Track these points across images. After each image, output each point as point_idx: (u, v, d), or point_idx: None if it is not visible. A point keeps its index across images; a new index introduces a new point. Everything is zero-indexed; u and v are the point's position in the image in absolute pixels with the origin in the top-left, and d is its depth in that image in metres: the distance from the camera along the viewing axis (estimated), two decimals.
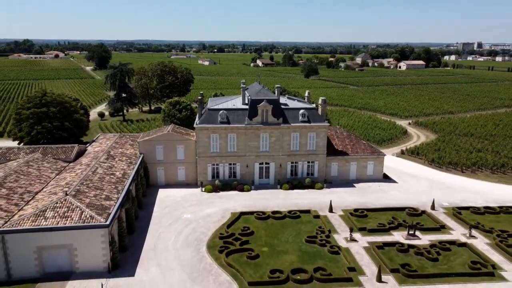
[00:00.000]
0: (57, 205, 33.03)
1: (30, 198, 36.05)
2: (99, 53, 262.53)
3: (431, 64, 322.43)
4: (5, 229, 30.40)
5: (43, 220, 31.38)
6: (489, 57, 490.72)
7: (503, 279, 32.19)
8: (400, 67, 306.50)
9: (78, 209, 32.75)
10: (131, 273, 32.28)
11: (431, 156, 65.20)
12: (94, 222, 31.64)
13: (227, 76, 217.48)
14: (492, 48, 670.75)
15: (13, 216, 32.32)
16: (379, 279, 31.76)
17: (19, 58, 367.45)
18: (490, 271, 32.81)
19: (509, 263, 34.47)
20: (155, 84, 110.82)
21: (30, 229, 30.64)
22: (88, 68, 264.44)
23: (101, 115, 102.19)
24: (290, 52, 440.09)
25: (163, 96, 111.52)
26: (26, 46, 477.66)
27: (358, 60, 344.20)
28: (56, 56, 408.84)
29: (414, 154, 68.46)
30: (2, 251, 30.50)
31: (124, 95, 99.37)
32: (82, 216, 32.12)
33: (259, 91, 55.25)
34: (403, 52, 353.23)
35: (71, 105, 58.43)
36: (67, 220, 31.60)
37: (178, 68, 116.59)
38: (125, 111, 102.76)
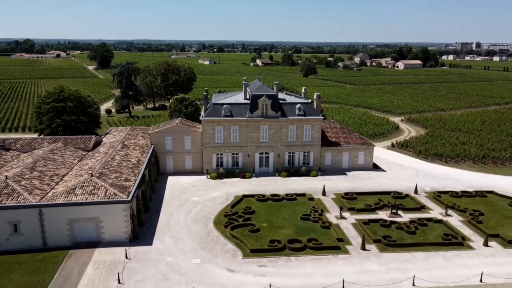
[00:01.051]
0: (85, 184, 38.07)
1: (59, 180, 41.08)
2: (101, 53, 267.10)
3: (429, 63, 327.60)
4: (42, 203, 35.46)
5: (73, 197, 36.41)
6: (487, 57, 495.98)
7: (470, 248, 37.31)
8: (397, 66, 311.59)
9: (103, 187, 37.79)
10: (149, 243, 37.38)
11: (418, 148, 70.32)
12: (117, 198, 36.72)
13: (228, 76, 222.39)
14: (491, 48, 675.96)
15: (47, 193, 37.34)
16: (363, 248, 36.85)
17: (21, 58, 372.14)
18: (459, 242, 37.95)
19: (477, 236, 39.54)
20: (160, 82, 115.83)
21: (63, 203, 35.70)
22: (91, 68, 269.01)
23: (108, 111, 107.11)
24: (289, 52, 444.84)
25: (167, 94, 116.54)
26: (27, 46, 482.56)
27: (357, 59, 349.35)
28: (58, 55, 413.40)
29: (403, 147, 73.53)
30: (39, 223, 35.56)
31: (130, 92, 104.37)
32: (107, 193, 37.15)
33: (259, 87, 60.28)
34: (401, 52, 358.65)
35: (86, 100, 63.50)
36: (94, 196, 36.65)
37: (181, 67, 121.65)
38: (131, 108, 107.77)
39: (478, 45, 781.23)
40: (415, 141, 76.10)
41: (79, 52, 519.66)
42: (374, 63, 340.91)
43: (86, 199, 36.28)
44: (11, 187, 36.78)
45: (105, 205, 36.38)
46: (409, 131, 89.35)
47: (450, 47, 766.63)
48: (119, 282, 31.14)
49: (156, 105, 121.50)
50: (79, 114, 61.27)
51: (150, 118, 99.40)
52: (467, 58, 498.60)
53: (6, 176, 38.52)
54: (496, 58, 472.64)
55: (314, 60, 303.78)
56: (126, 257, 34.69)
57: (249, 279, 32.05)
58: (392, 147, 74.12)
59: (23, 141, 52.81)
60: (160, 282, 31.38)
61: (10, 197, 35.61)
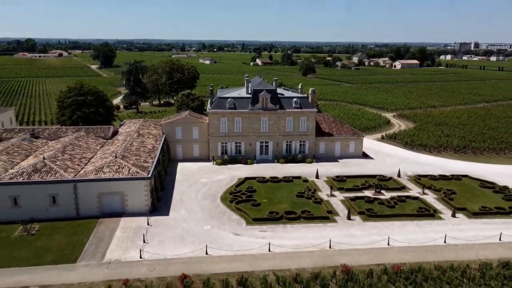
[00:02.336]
0: (111, 164, 44.41)
1: (87, 161, 47.42)
2: (104, 52, 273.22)
3: (426, 63, 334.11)
4: (76, 179, 41.79)
5: (102, 174, 42.73)
6: (484, 57, 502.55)
7: (440, 218, 43.75)
8: (395, 66, 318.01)
9: (126, 167, 44.11)
10: (166, 214, 43.76)
11: (405, 139, 76.70)
12: (139, 176, 43.03)
13: (228, 75, 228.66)
14: (489, 48, 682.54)
15: (79, 172, 43.66)
16: (349, 218, 43.24)
17: (24, 57, 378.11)
18: (431, 213, 44.38)
19: (448, 209, 45.94)
20: (165, 80, 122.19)
21: (94, 179, 42.05)
22: (94, 67, 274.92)
23: (117, 107, 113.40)
24: (289, 51, 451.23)
25: (172, 91, 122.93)
26: (29, 45, 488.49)
27: (355, 59, 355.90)
28: (60, 55, 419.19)
29: (392, 139, 79.92)
30: (74, 196, 41.88)
31: (138, 89, 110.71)
32: (130, 171, 43.46)
33: (260, 83, 66.69)
34: (398, 52, 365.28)
35: (104, 94, 69.92)
36: (119, 174, 42.97)
37: (185, 66, 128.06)
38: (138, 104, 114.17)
39: (476, 45, 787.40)
40: (403, 133, 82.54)
41: (80, 51, 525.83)
42: (372, 63, 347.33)
43: (113, 176, 42.62)
44: (48, 166, 43.12)
45: (129, 181, 42.72)
46: (399, 125, 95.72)
47: (449, 47, 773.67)
48: (144, 242, 37.52)
49: (161, 101, 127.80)
50: (98, 107, 67.65)
51: (156, 113, 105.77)
52: (465, 58, 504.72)
53: (43, 157, 44.89)
54: (493, 58, 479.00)
55: (313, 60, 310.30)
56: (148, 224, 41.08)
57: (252, 240, 38.45)
58: (382, 139, 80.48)
59: (50, 130, 59.27)
60: (178, 241, 37.76)
61: (49, 174, 41.94)
